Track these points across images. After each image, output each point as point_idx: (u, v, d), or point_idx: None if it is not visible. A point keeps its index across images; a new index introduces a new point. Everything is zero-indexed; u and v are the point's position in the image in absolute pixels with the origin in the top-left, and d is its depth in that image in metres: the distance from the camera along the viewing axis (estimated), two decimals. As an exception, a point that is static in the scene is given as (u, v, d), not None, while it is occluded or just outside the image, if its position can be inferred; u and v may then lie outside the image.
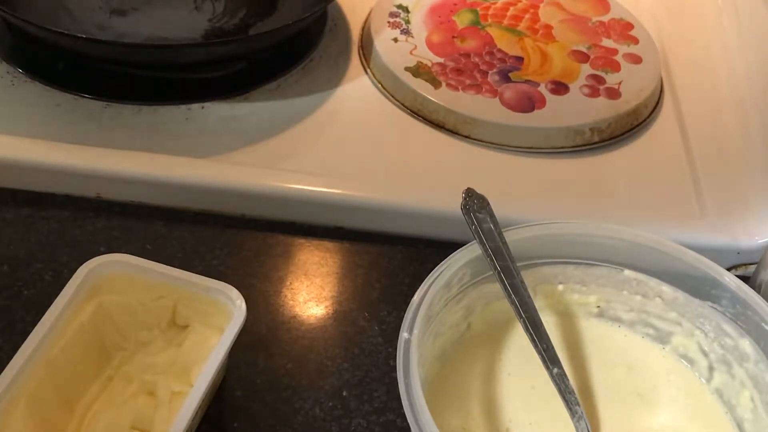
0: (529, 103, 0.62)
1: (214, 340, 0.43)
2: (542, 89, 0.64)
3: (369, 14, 0.71)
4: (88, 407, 0.43)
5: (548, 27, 0.71)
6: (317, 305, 0.51)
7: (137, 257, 0.44)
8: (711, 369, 0.45)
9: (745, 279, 0.45)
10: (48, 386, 0.41)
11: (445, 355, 0.44)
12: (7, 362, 0.39)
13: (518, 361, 0.45)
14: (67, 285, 0.43)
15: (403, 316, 0.40)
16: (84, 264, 0.44)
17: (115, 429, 0.42)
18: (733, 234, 0.55)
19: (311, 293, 0.52)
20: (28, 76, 0.61)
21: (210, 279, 0.44)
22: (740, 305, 0.43)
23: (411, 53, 0.66)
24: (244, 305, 0.43)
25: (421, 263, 0.54)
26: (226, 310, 0.43)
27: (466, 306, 0.45)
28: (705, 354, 0.45)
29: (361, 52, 0.68)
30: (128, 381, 0.44)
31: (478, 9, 0.72)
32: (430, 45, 0.67)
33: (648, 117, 0.65)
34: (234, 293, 0.43)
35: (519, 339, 0.45)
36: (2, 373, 0.39)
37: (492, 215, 0.44)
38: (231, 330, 0.42)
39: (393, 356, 0.47)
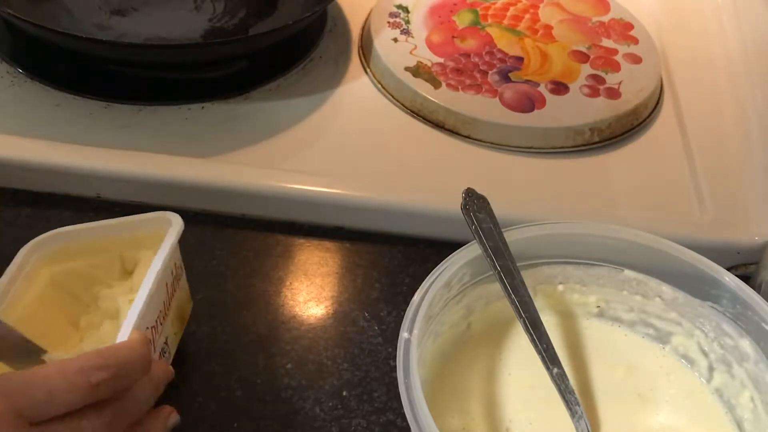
0: (529, 103, 0.62)
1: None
2: (542, 89, 0.64)
3: (369, 14, 0.71)
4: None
5: (548, 27, 0.71)
6: (317, 305, 0.51)
7: (71, 225, 0.45)
8: (711, 369, 0.45)
9: (745, 279, 0.45)
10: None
11: (445, 355, 0.44)
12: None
13: (518, 361, 0.45)
14: (5, 273, 0.42)
15: (403, 316, 0.40)
16: (21, 249, 0.43)
17: None
18: (733, 234, 0.55)
19: (311, 293, 0.52)
20: (28, 76, 0.61)
21: (143, 214, 0.45)
22: (740, 305, 0.43)
23: (411, 53, 0.66)
24: (178, 219, 0.44)
25: (421, 263, 0.54)
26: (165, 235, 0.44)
27: (466, 306, 0.45)
28: (705, 354, 0.45)
29: (361, 52, 0.68)
30: (96, 326, 0.44)
31: (478, 9, 0.72)
32: (430, 45, 0.67)
33: (648, 117, 0.65)
34: (168, 214, 0.44)
35: (519, 339, 0.45)
36: None
37: (492, 215, 0.44)
38: (169, 236, 0.43)
39: (393, 356, 0.47)
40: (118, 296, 0.44)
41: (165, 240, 0.43)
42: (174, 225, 0.44)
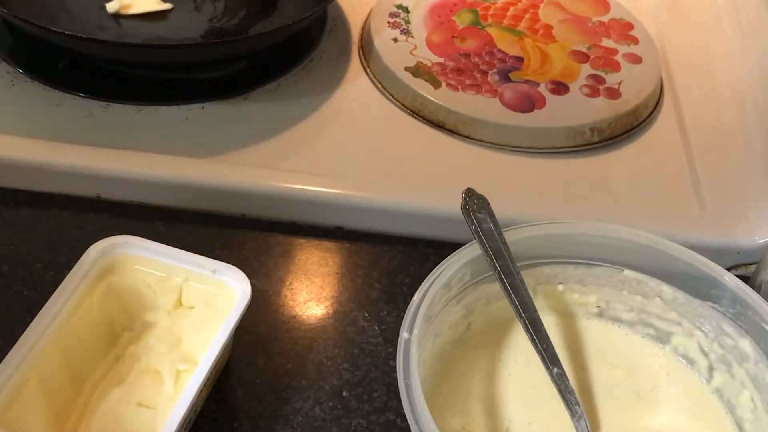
0: (529, 103, 0.62)
1: (219, 320, 0.44)
2: (542, 89, 0.64)
3: (369, 14, 0.71)
4: (96, 385, 0.44)
5: (548, 27, 0.71)
6: (317, 305, 0.51)
7: (144, 239, 0.45)
8: (711, 369, 0.45)
9: (745, 279, 0.45)
10: (58, 363, 0.42)
11: (445, 355, 0.44)
12: (7, 362, 0.39)
13: (518, 361, 0.45)
14: (76, 265, 0.43)
15: (403, 316, 0.40)
16: (92, 245, 0.44)
17: (122, 406, 0.42)
18: (733, 234, 0.55)
19: (311, 293, 0.52)
20: (28, 76, 0.61)
21: (216, 261, 0.45)
22: (740, 305, 0.43)
23: (411, 53, 0.66)
24: (249, 287, 0.44)
25: (421, 263, 0.54)
26: (231, 292, 0.44)
27: (466, 306, 0.45)
28: (705, 354, 0.45)
29: (361, 52, 0.68)
30: (135, 360, 0.44)
31: (478, 9, 0.72)
32: (430, 45, 0.67)
33: (648, 117, 0.65)
34: (239, 275, 0.44)
35: (519, 339, 0.45)
36: (13, 349, 0.40)
37: (492, 215, 0.44)
38: (236, 311, 0.43)
39: (393, 356, 0.47)
40: (166, 356, 0.44)
41: (226, 321, 0.42)
42: (241, 299, 0.43)
